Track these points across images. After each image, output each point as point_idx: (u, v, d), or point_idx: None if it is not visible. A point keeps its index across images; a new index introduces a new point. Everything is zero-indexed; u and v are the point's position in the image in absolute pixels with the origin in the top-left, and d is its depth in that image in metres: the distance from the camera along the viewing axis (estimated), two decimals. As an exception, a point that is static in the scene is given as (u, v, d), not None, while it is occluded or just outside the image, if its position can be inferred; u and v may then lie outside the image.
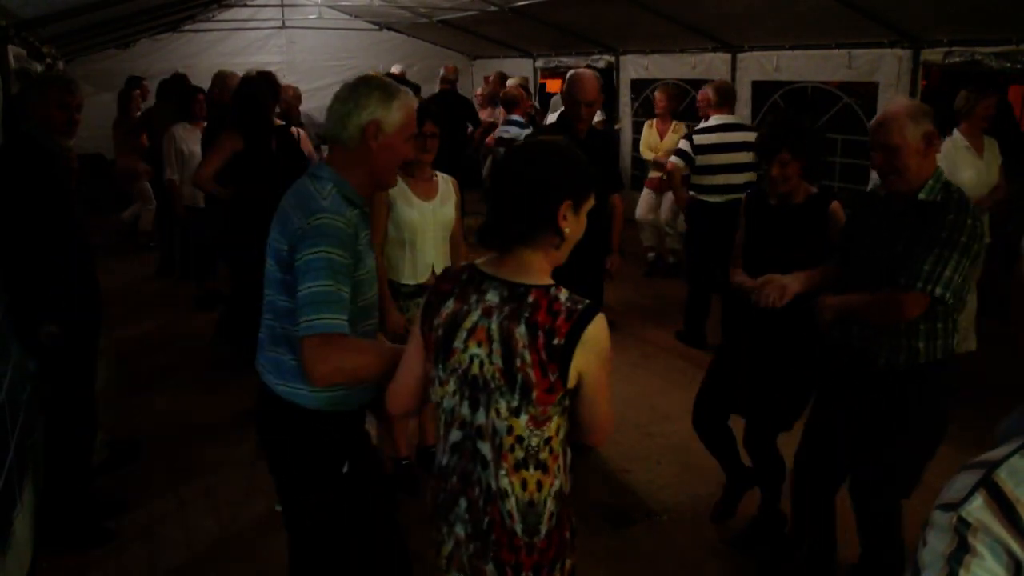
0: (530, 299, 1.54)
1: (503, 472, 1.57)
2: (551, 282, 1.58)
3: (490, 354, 1.54)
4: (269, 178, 4.00)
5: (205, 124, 5.87)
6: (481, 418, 1.58)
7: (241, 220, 4.16)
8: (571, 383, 1.52)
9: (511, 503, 1.57)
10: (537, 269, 1.59)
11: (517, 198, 1.55)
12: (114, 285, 4.68)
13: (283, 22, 10.37)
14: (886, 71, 5.57)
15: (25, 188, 2.84)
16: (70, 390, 3.04)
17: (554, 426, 1.56)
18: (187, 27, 9.84)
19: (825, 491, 2.75)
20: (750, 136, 4.91)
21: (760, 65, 6.63)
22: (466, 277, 1.63)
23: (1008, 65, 4.63)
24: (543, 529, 1.59)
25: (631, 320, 5.72)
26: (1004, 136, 4.80)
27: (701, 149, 4.96)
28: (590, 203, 1.61)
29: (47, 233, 2.89)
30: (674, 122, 6.56)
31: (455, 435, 1.64)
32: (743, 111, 6.39)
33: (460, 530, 1.65)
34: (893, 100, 2.75)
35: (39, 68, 5.08)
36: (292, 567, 2.41)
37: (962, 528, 0.82)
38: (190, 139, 5.68)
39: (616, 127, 8.47)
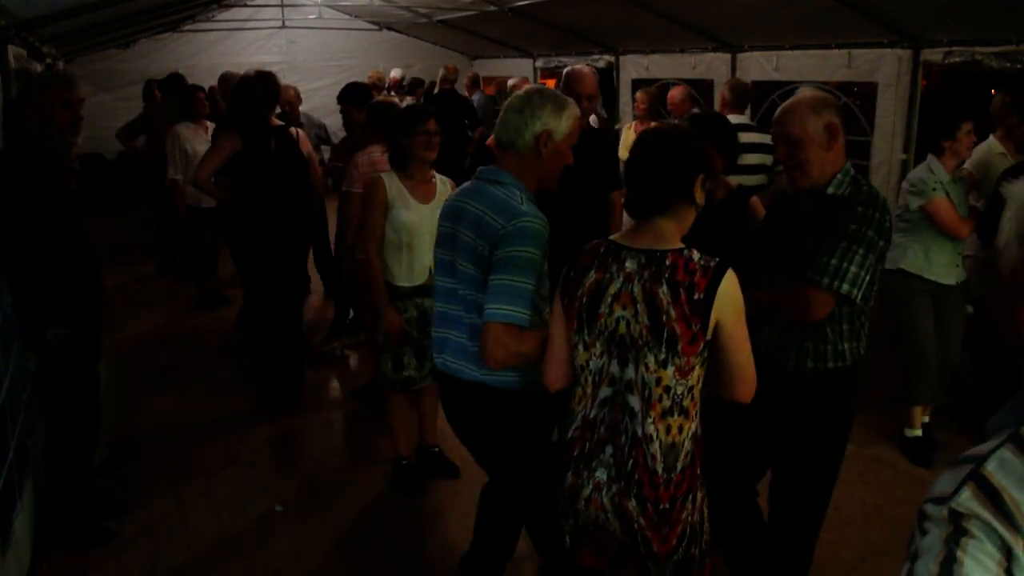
0: (668, 262, 1.75)
1: (650, 420, 1.76)
2: (683, 246, 1.80)
3: (636, 315, 1.75)
4: (268, 178, 4.01)
5: (208, 123, 5.89)
6: (630, 373, 1.78)
7: (241, 220, 4.16)
8: (710, 334, 1.72)
9: (655, 447, 1.76)
10: (671, 236, 1.81)
11: (660, 174, 1.79)
12: (114, 285, 4.68)
13: (283, 22, 10.38)
14: (886, 71, 5.57)
15: (27, 189, 2.84)
16: (72, 390, 3.04)
17: (696, 375, 1.76)
18: (187, 27, 9.84)
19: (747, 498, 2.63)
20: (762, 137, 4.88)
21: (760, 65, 6.63)
22: (603, 250, 1.85)
23: (1008, 65, 4.62)
24: (679, 466, 1.78)
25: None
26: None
27: None
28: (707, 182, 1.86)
29: (49, 233, 2.89)
30: (654, 124, 6.58)
31: (604, 391, 1.83)
32: (743, 111, 6.39)
33: (602, 474, 1.82)
34: (799, 91, 2.70)
35: (39, 68, 5.08)
36: (535, 541, 2.67)
37: (955, 517, 0.83)
38: (193, 139, 5.69)
39: (616, 127, 8.48)
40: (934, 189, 3.56)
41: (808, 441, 2.32)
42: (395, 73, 9.17)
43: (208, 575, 3.00)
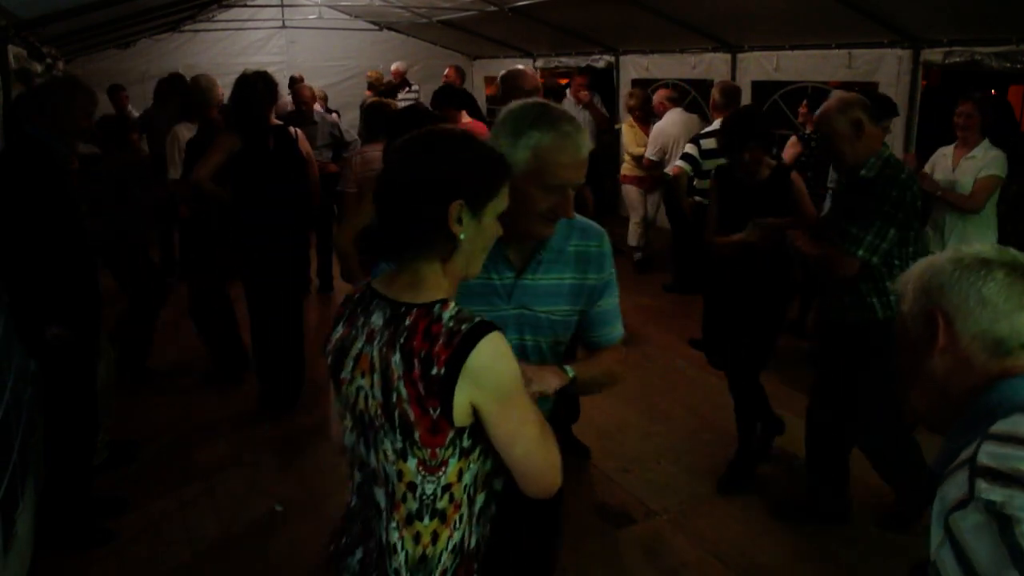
0: (408, 321, 1.29)
1: (394, 525, 1.35)
2: (442, 296, 1.33)
3: (372, 387, 1.32)
4: (267, 178, 4.01)
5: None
6: (373, 460, 1.38)
7: (240, 220, 4.16)
8: (461, 421, 1.28)
9: (399, 560, 1.35)
10: (432, 284, 1.33)
11: (399, 200, 1.31)
12: (114, 285, 4.68)
13: (283, 22, 10.37)
14: (886, 71, 5.57)
15: (28, 189, 2.84)
16: (71, 391, 3.04)
17: (453, 472, 1.33)
18: (187, 27, 9.83)
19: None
20: None
21: (760, 65, 6.63)
22: (358, 297, 1.43)
23: (1008, 65, 4.62)
24: None
25: (631, 320, 5.70)
26: (1004, 137, 4.79)
27: (708, 153, 4.84)
28: (499, 204, 1.36)
29: (49, 234, 2.89)
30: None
31: (357, 476, 1.46)
32: (743, 111, 6.40)
33: None
34: (831, 94, 3.37)
35: (39, 68, 5.08)
36: None
37: (991, 507, 0.85)
38: (194, 139, 5.68)
39: (616, 127, 8.48)
40: None
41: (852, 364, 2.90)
42: (397, 66, 9.17)
43: (208, 575, 3.00)
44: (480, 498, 1.41)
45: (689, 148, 4.97)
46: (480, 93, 10.81)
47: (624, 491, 3.54)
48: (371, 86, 8.50)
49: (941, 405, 1.09)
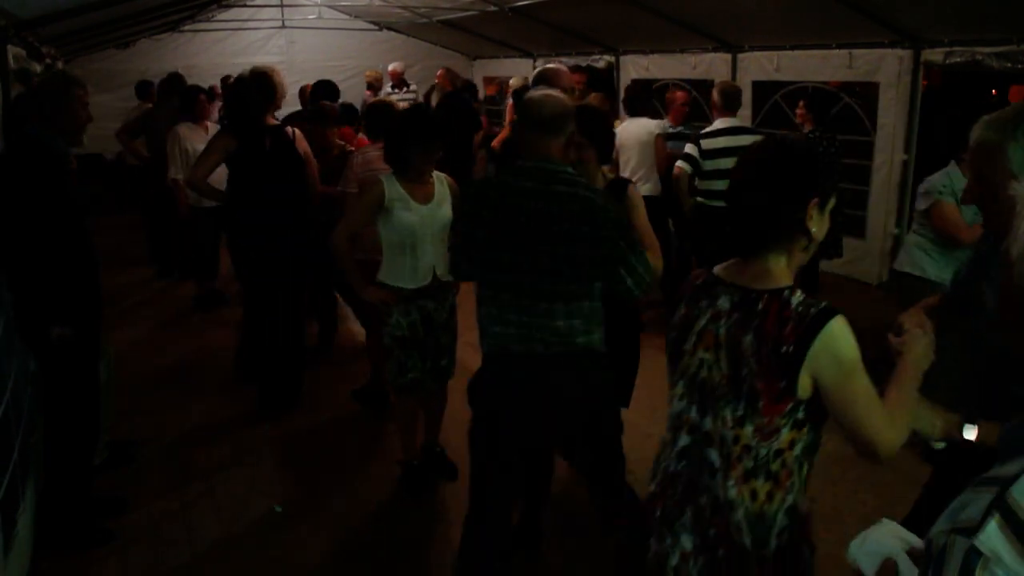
0: (760, 306, 1.48)
1: (731, 482, 1.51)
2: (789, 283, 1.52)
3: (717, 360, 1.52)
4: (264, 178, 4.00)
5: (209, 123, 5.89)
6: (708, 424, 1.55)
7: (239, 220, 4.16)
8: (803, 393, 1.45)
9: (739, 515, 1.51)
10: (778, 273, 1.52)
11: (760, 203, 1.50)
12: (114, 285, 4.67)
13: (283, 22, 10.38)
14: (886, 71, 5.57)
15: (30, 190, 2.84)
16: (72, 391, 3.04)
17: (785, 439, 1.48)
18: (187, 27, 9.84)
19: None
20: (755, 139, 4.85)
21: (761, 65, 6.63)
22: (700, 282, 1.64)
23: (1008, 65, 4.62)
24: (772, 543, 1.52)
25: (631, 320, 5.71)
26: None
27: (709, 154, 4.81)
28: (833, 201, 1.54)
29: (51, 234, 2.88)
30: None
31: (684, 439, 1.62)
32: (744, 112, 6.38)
33: (687, 542, 1.59)
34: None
35: (39, 68, 5.08)
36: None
37: (974, 558, 0.78)
38: (194, 139, 5.68)
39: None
40: (940, 193, 3.55)
41: None
42: (395, 66, 9.16)
43: (208, 575, 3.00)
44: (805, 468, 1.55)
45: (689, 148, 4.94)
46: (480, 93, 10.81)
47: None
48: (370, 86, 8.51)
49: None
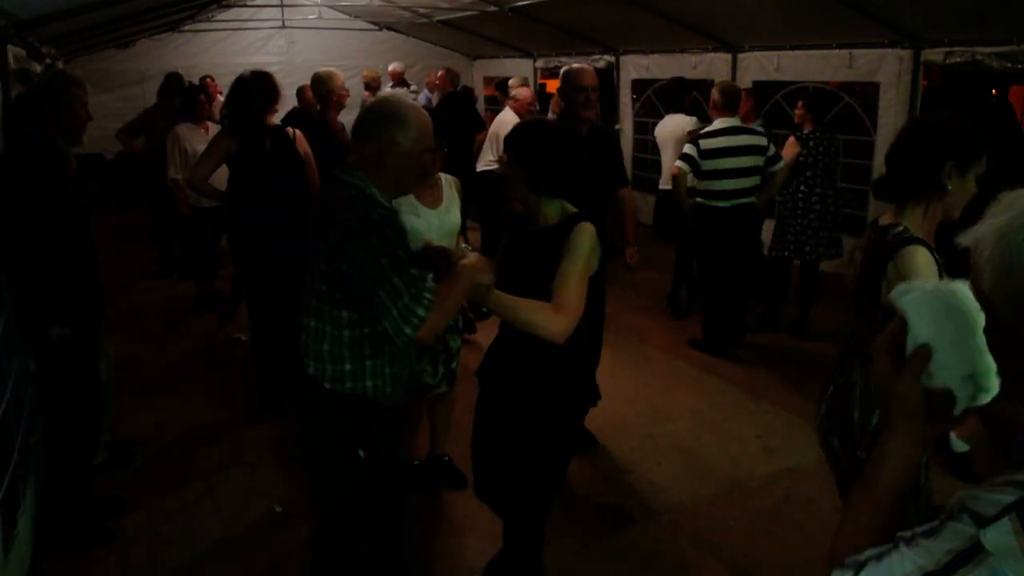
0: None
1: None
2: (908, 226, 1.90)
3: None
4: (264, 178, 4.01)
5: (209, 123, 5.88)
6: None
7: (239, 220, 4.16)
8: None
9: (855, 393, 2.13)
10: (912, 221, 1.90)
11: (899, 162, 1.92)
12: (114, 285, 4.67)
13: (283, 22, 10.38)
14: (887, 71, 5.58)
15: (31, 190, 2.84)
16: (73, 391, 3.04)
17: None
18: (187, 27, 9.84)
19: None
20: (756, 139, 4.85)
21: (761, 65, 6.63)
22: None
23: (1008, 65, 4.63)
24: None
25: (631, 320, 5.71)
26: (1005, 137, 4.80)
27: (708, 154, 4.79)
28: (979, 168, 1.86)
29: (52, 234, 2.88)
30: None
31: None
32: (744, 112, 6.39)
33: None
34: None
35: (39, 68, 5.08)
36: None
37: (976, 550, 0.79)
38: (194, 139, 5.68)
39: (616, 127, 8.48)
40: None
41: None
42: (395, 66, 9.16)
43: (208, 575, 3.00)
44: None
45: (688, 148, 4.93)
46: (479, 93, 10.82)
47: (624, 492, 3.53)
48: (368, 86, 8.51)
49: None
